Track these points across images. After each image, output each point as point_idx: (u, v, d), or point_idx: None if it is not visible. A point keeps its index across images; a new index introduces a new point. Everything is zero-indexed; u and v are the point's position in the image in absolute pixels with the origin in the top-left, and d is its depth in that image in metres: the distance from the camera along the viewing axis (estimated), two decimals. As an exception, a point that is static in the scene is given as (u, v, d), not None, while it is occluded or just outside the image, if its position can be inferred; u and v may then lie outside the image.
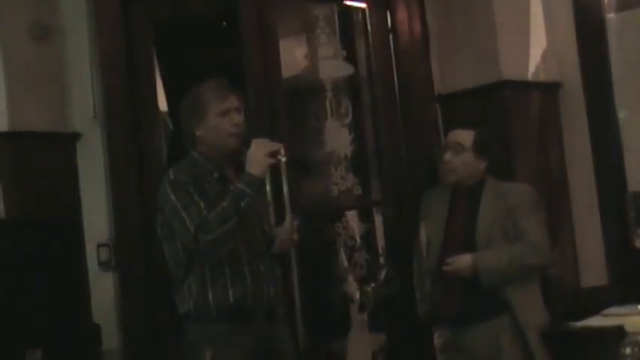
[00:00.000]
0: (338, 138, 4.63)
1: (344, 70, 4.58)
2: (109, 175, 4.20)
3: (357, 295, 4.61)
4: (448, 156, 3.71)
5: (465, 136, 3.71)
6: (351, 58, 4.59)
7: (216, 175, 3.02)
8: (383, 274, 4.72)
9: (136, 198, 4.06)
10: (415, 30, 4.28)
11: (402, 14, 4.25)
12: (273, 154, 2.93)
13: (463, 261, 3.55)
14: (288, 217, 3.04)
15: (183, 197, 2.93)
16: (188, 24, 4.44)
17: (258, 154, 2.91)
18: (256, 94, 4.04)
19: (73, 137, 4.35)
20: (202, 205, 2.89)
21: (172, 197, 2.94)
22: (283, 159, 2.94)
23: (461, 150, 3.69)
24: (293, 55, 4.48)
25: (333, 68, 4.60)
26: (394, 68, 4.28)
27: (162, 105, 4.52)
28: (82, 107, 4.33)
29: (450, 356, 3.73)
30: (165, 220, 2.99)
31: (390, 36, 4.27)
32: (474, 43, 4.33)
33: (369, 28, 4.43)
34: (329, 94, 4.54)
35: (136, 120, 4.18)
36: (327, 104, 4.61)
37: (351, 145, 4.72)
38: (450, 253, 3.60)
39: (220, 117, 3.01)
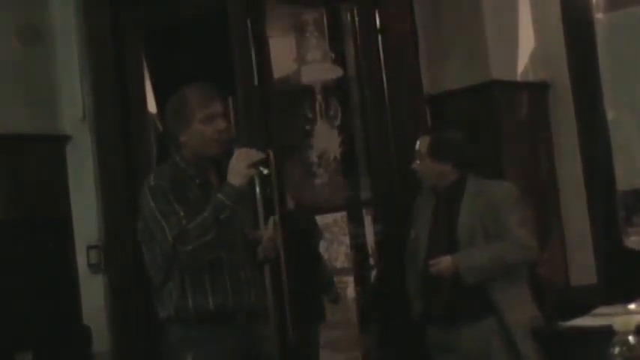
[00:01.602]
0: (327, 139, 4.64)
1: (332, 72, 4.59)
2: (99, 177, 4.21)
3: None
4: (414, 164, 3.75)
5: (423, 143, 3.73)
6: (339, 59, 4.60)
7: (197, 180, 2.98)
8: (373, 274, 4.74)
9: (125, 200, 4.05)
10: (404, 30, 4.28)
11: (390, 14, 4.25)
12: (255, 165, 2.88)
13: (444, 262, 3.56)
14: (271, 220, 3.05)
15: (163, 205, 2.89)
16: (177, 26, 4.43)
17: (239, 165, 2.87)
18: (246, 97, 4.03)
19: (63, 139, 4.35)
20: (182, 214, 2.85)
21: (152, 204, 2.90)
22: (265, 171, 2.91)
23: (420, 157, 3.72)
24: (282, 58, 4.49)
25: (321, 71, 4.61)
26: (383, 69, 4.28)
27: (152, 107, 4.52)
28: (72, 109, 4.33)
29: (441, 356, 3.73)
30: (146, 225, 2.96)
31: (379, 36, 4.27)
32: (463, 43, 4.34)
33: (357, 28, 4.43)
34: (318, 97, 4.55)
35: (126, 122, 4.18)
36: (317, 106, 4.62)
37: (340, 147, 4.73)
38: (435, 253, 3.61)
39: (204, 123, 2.96)
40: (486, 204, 3.62)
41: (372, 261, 4.75)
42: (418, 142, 3.76)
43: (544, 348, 3.60)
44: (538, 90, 4.47)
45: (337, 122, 4.67)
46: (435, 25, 4.42)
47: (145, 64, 4.33)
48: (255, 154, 2.89)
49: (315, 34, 4.57)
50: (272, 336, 3.18)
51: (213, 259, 2.91)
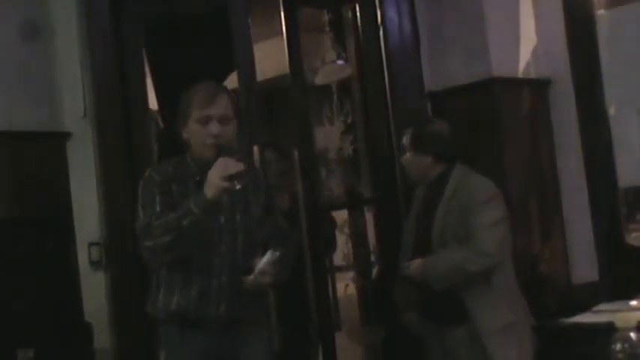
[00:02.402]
0: (329, 137, 4.65)
1: (338, 72, 4.60)
2: (100, 174, 4.20)
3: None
4: (402, 158, 3.73)
5: (406, 136, 3.71)
6: (341, 56, 4.61)
7: (197, 178, 2.93)
8: (375, 270, 4.74)
9: (126, 197, 4.05)
10: (405, 27, 4.28)
11: (391, 12, 4.25)
12: (230, 179, 2.76)
13: (414, 266, 3.50)
14: (268, 254, 2.89)
15: (146, 196, 2.92)
16: (178, 23, 4.43)
17: (214, 176, 2.78)
18: (247, 95, 4.03)
19: (64, 136, 4.34)
20: (158, 209, 2.85)
21: (139, 194, 2.94)
22: (237, 186, 2.78)
23: (404, 150, 3.70)
24: (281, 57, 4.48)
25: (337, 70, 4.62)
26: (384, 66, 4.28)
27: (153, 104, 4.52)
28: (73, 106, 4.33)
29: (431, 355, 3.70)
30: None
31: (381, 34, 4.27)
32: (464, 40, 4.34)
33: (359, 26, 4.43)
34: (320, 94, 4.57)
35: (127, 119, 4.18)
36: (318, 104, 4.63)
37: (341, 144, 4.74)
38: (419, 252, 3.57)
39: (199, 124, 2.92)
40: (460, 203, 3.52)
41: (372, 258, 4.75)
42: (404, 137, 3.74)
43: (546, 345, 3.59)
44: (539, 86, 4.47)
45: (338, 119, 4.71)
46: (436, 21, 4.41)
47: (145, 61, 4.33)
48: (233, 166, 2.78)
49: (330, 34, 4.58)
50: (259, 340, 3.03)
51: (187, 262, 2.88)
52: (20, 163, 4.20)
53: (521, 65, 4.43)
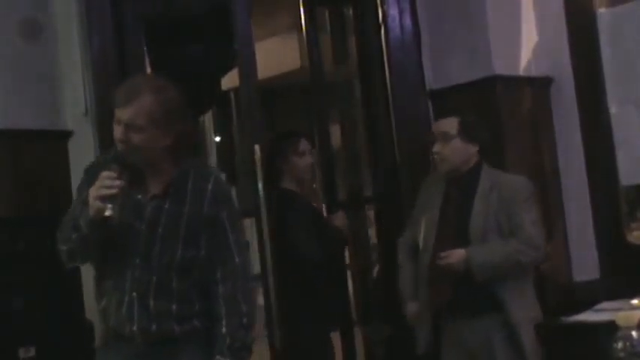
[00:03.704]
0: (331, 134, 4.65)
1: (337, 69, 4.60)
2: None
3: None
4: (437, 147, 3.70)
5: (450, 124, 3.70)
6: (342, 54, 4.60)
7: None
8: (375, 270, 4.73)
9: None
10: (406, 25, 4.27)
11: (392, 9, 4.25)
12: (103, 199, 2.50)
13: (456, 256, 3.53)
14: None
15: (76, 192, 2.81)
16: (178, 21, 4.43)
17: (91, 192, 2.54)
18: (248, 93, 4.03)
19: (65, 135, 4.34)
20: (77, 211, 2.63)
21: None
22: (107, 212, 2.49)
23: (448, 138, 3.68)
24: (285, 54, 4.49)
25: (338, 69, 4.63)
26: (385, 64, 4.27)
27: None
28: (74, 105, 4.32)
29: (448, 350, 3.72)
30: None
31: (382, 31, 4.27)
32: (466, 37, 4.33)
33: (360, 24, 4.43)
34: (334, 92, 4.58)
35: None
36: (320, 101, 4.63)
37: (343, 142, 4.73)
38: (444, 245, 3.59)
39: (114, 123, 2.70)
40: (501, 198, 3.59)
41: (374, 257, 4.74)
42: (440, 125, 3.74)
43: (548, 343, 3.60)
44: (540, 85, 4.46)
45: (339, 117, 4.71)
46: (437, 19, 4.41)
47: (146, 59, 4.32)
48: (107, 187, 2.52)
49: (319, 29, 4.57)
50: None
51: (106, 268, 2.72)
52: (21, 162, 4.19)
53: (523, 64, 4.43)
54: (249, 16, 4.06)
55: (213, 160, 7.65)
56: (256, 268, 4.15)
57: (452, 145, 3.66)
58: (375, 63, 4.34)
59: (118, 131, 2.66)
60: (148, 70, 4.33)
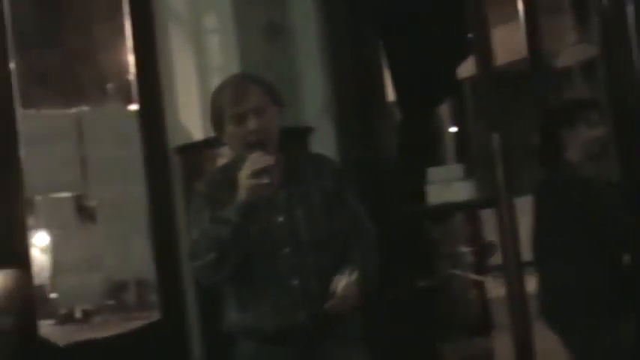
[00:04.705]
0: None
1: (583, 53, 4.40)
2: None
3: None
4: None
5: None
6: (588, 37, 4.41)
7: None
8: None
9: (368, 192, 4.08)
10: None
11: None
12: (257, 174, 2.48)
13: None
14: (346, 275, 2.55)
15: (191, 212, 2.68)
16: (412, 11, 4.43)
17: (241, 176, 2.50)
18: (485, 81, 3.96)
19: (305, 131, 4.46)
20: (206, 225, 2.55)
21: (188, 208, 2.73)
22: (266, 181, 2.48)
23: None
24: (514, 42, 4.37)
25: (578, 52, 4.44)
26: (631, 44, 4.03)
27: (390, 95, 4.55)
28: (313, 101, 4.43)
29: None
30: None
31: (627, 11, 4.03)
32: None
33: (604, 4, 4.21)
34: (568, 77, 4.41)
35: (366, 113, 4.22)
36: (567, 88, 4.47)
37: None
38: None
39: (233, 124, 2.61)
40: None
41: None
42: None
43: None
44: None
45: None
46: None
47: (382, 54, 4.36)
48: (261, 161, 2.50)
49: (572, 14, 4.41)
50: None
51: (251, 272, 2.59)
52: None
53: None
54: (484, 1, 3.99)
55: (450, 151, 7.60)
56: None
57: None
58: (620, 43, 4.10)
59: (251, 124, 2.59)
60: (385, 63, 4.37)
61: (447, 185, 4.23)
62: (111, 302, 4.88)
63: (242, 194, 2.50)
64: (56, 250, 4.20)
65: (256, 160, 2.50)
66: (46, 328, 4.21)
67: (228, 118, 2.61)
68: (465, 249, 6.09)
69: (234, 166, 2.62)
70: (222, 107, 2.62)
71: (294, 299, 2.59)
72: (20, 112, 4.09)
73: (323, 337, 2.62)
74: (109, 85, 5.01)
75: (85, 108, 4.42)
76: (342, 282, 2.53)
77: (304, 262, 2.61)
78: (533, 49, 4.31)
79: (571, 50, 4.51)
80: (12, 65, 4.09)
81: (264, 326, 2.60)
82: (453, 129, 8.20)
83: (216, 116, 2.64)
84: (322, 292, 2.57)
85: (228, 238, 2.49)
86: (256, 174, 2.48)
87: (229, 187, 2.56)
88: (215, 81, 4.32)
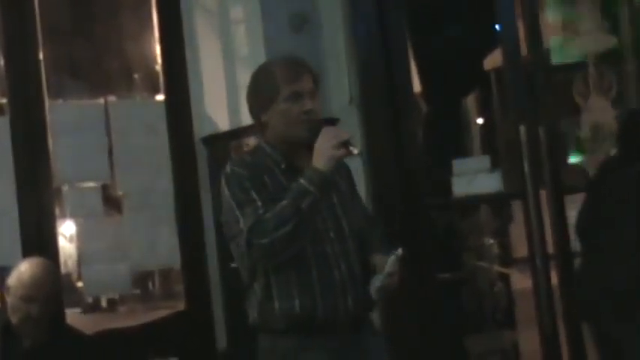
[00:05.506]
0: (601, 114, 4.43)
1: (605, 43, 4.35)
2: (366, 160, 4.26)
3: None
4: None
5: None
6: (613, 27, 4.36)
7: (283, 165, 2.66)
8: None
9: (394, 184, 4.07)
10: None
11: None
12: (344, 145, 2.55)
13: None
14: (395, 253, 2.58)
15: (237, 193, 2.60)
16: (439, 3, 4.41)
17: (325, 146, 2.54)
18: (512, 71, 3.94)
19: (331, 122, 4.45)
20: (259, 204, 2.55)
21: (227, 192, 2.62)
22: (355, 150, 2.56)
23: None
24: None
25: (593, 42, 4.39)
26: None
27: (416, 86, 4.53)
28: (339, 93, 4.42)
29: None
30: (226, 219, 2.66)
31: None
32: None
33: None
34: (590, 69, 4.35)
35: (392, 104, 4.21)
36: (589, 79, 4.42)
37: (616, 121, 4.48)
38: None
39: (290, 101, 2.63)
40: None
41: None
42: None
43: None
44: None
45: (612, 95, 4.45)
46: None
47: (409, 45, 4.34)
48: (343, 133, 2.59)
49: (589, 3, 4.37)
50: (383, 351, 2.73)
51: (300, 256, 2.58)
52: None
53: None
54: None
55: (476, 142, 7.57)
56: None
57: None
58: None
59: (306, 103, 2.64)
60: (411, 54, 4.34)
61: (473, 177, 4.21)
62: (136, 291, 4.90)
63: (321, 164, 2.53)
64: (83, 239, 4.24)
65: (334, 132, 2.59)
66: (73, 316, 4.25)
67: (285, 95, 2.64)
68: (491, 241, 6.07)
69: (262, 151, 2.69)
70: (277, 83, 2.65)
71: (342, 285, 2.62)
72: (48, 102, 4.13)
73: (363, 324, 2.67)
74: (136, 76, 5.03)
75: (112, 98, 4.44)
76: (390, 259, 2.57)
77: (346, 247, 2.66)
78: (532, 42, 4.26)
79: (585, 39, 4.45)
80: (40, 55, 4.12)
81: (315, 314, 2.59)
82: (480, 120, 8.17)
83: (269, 91, 2.66)
84: (363, 277, 2.63)
85: (305, 210, 2.51)
86: (343, 144, 2.55)
87: (264, 171, 2.63)
88: (241, 71, 4.37)
